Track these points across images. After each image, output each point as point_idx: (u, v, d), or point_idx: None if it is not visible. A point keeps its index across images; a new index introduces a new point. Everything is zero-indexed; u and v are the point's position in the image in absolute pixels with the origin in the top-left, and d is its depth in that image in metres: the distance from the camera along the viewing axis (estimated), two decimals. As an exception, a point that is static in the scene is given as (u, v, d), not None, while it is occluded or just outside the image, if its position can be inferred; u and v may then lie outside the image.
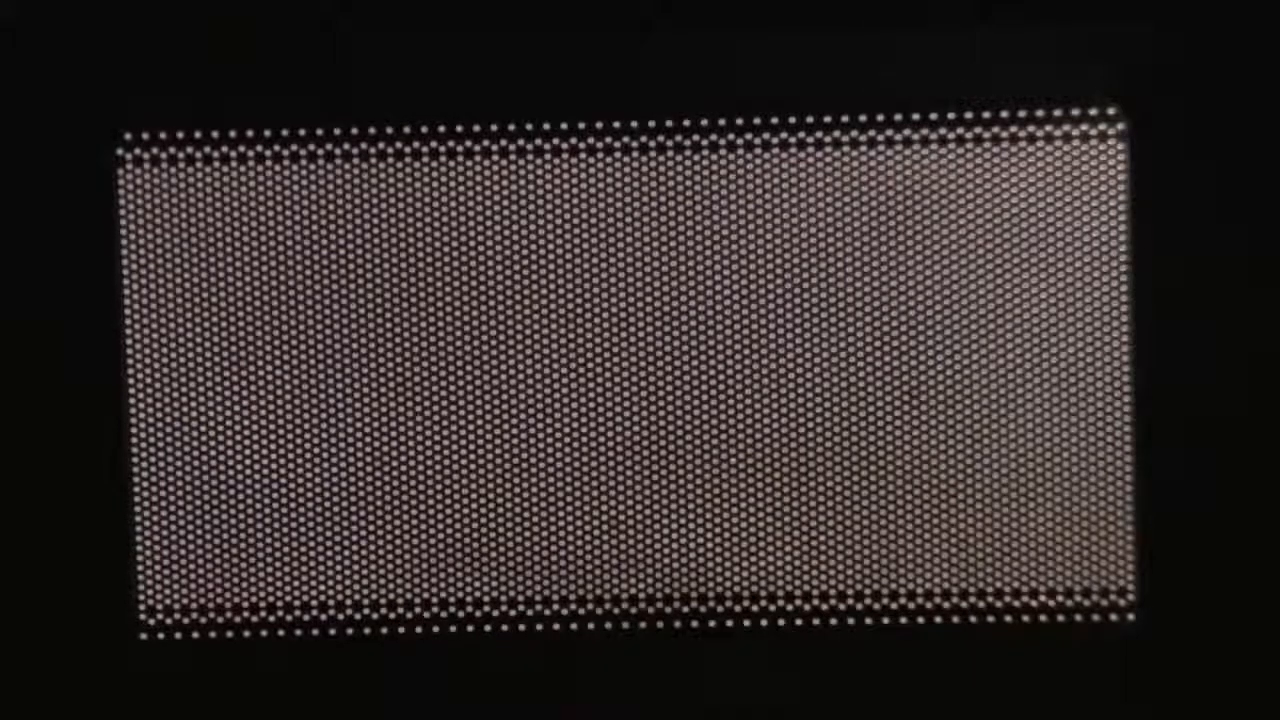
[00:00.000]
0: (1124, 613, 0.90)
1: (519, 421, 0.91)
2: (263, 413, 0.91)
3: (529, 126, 0.90)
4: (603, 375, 0.90)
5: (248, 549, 0.92)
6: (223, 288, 0.91)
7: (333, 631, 0.92)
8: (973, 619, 0.90)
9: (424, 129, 0.90)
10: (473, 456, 0.91)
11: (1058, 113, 0.88)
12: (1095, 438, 0.89)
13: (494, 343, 0.90)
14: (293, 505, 0.91)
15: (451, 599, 0.91)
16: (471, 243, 0.90)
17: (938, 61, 0.88)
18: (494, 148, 0.90)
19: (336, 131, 0.90)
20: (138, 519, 0.92)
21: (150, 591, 0.92)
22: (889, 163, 0.89)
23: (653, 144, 0.89)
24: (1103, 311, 0.89)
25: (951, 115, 0.88)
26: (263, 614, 0.92)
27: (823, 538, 0.90)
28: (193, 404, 0.91)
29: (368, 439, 0.91)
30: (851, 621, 0.91)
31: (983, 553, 0.90)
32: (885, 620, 0.91)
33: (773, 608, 0.91)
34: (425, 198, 0.90)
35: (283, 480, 0.91)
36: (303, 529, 0.91)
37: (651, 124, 0.89)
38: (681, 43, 0.89)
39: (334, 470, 0.91)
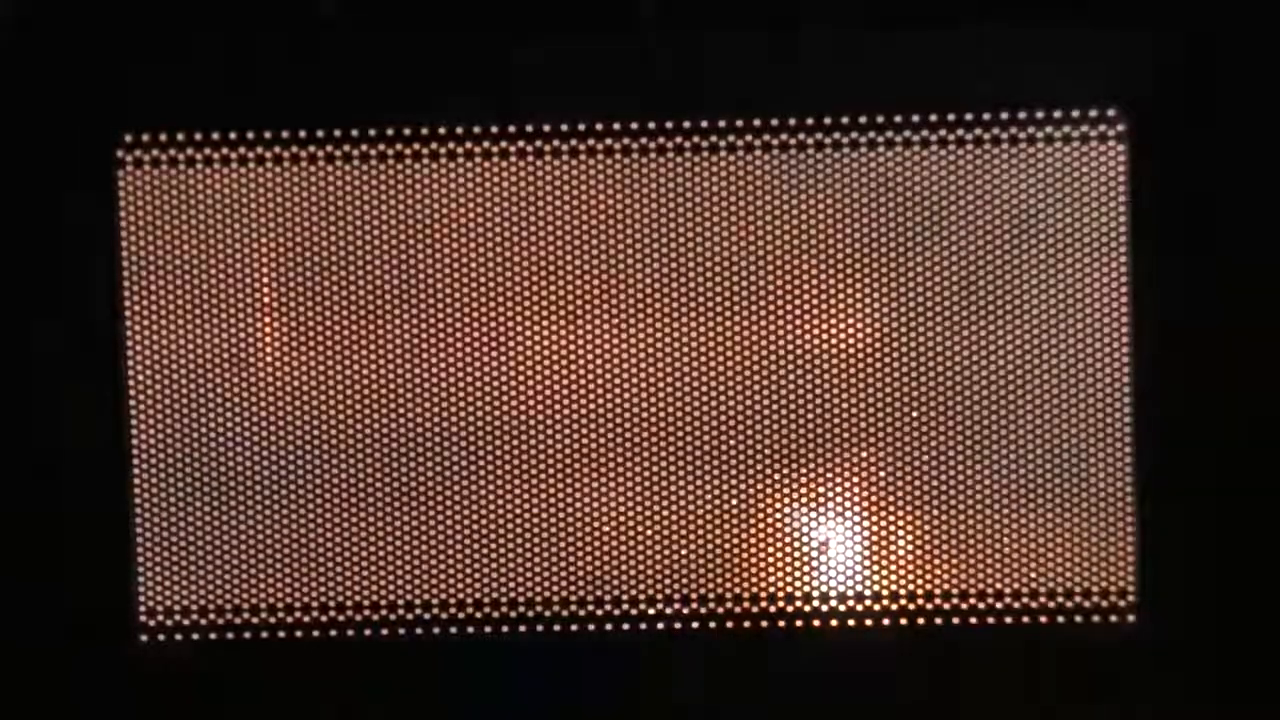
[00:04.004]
0: (1124, 613, 0.90)
1: (520, 422, 0.91)
2: (263, 413, 0.91)
3: (529, 127, 0.90)
4: (603, 376, 0.90)
5: (248, 549, 0.92)
6: (222, 288, 0.91)
7: (333, 632, 0.92)
8: (973, 619, 0.90)
9: (424, 129, 0.90)
10: (473, 457, 0.91)
11: (1058, 113, 0.88)
12: (1095, 438, 0.89)
13: (494, 343, 0.90)
14: (293, 506, 0.91)
15: (451, 599, 0.91)
16: (472, 243, 0.90)
17: (938, 61, 0.88)
18: (494, 148, 0.90)
19: (336, 132, 0.90)
20: (138, 519, 0.92)
21: (150, 591, 0.92)
22: (889, 163, 0.89)
23: (653, 144, 0.89)
24: (1103, 311, 0.89)
25: (951, 115, 0.88)
26: (263, 614, 0.92)
27: (823, 538, 0.90)
28: (193, 404, 0.91)
29: (367, 439, 0.91)
30: (851, 622, 0.91)
31: (983, 553, 0.90)
32: (886, 620, 0.91)
33: (773, 608, 0.91)
34: (425, 198, 0.90)
35: (283, 481, 0.91)
36: (303, 529, 0.91)
37: (652, 124, 0.89)
38: (682, 43, 0.89)
39: (334, 470, 0.91)
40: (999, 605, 0.90)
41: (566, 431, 0.91)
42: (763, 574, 0.91)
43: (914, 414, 0.90)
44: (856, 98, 0.89)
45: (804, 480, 0.90)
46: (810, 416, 0.90)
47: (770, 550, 0.91)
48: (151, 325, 0.91)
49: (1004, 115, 0.88)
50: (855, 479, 0.90)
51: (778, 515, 0.90)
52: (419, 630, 0.92)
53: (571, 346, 0.90)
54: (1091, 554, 0.90)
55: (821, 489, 0.90)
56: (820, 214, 0.89)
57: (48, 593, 0.91)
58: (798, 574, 0.91)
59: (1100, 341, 0.89)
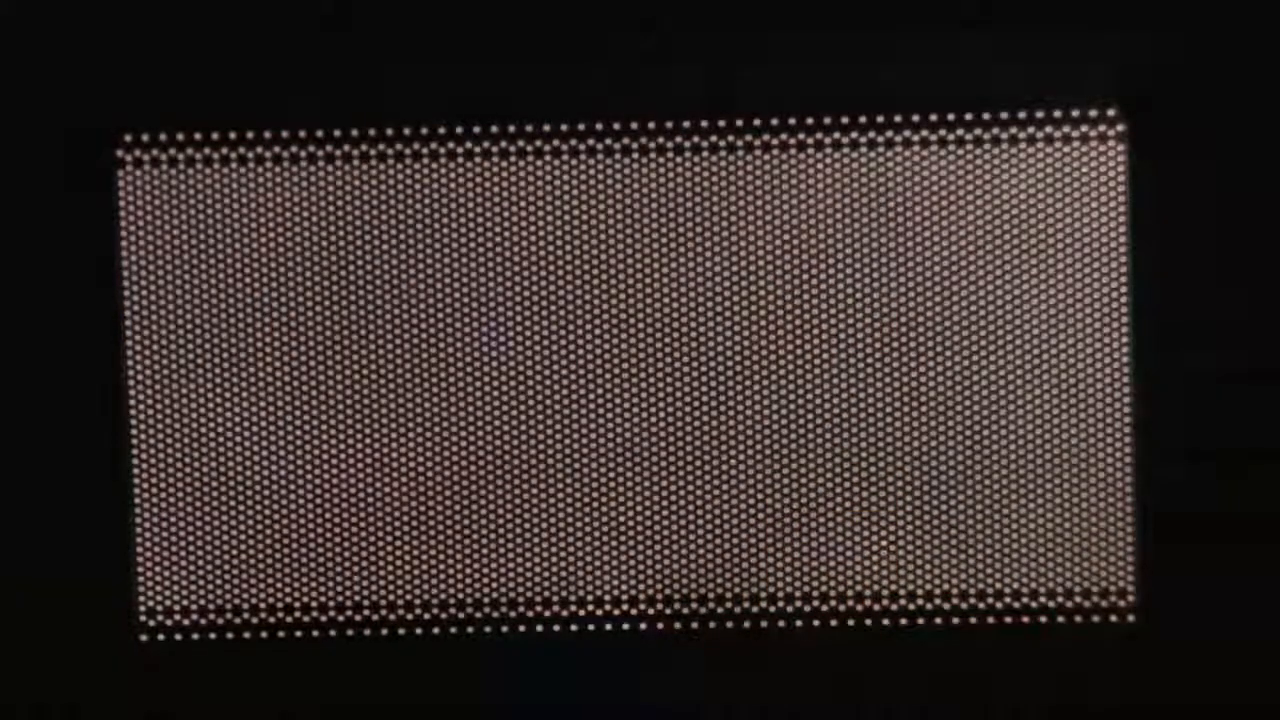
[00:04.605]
0: (1124, 613, 0.90)
1: (519, 422, 0.91)
2: (262, 413, 0.91)
3: (529, 127, 0.90)
4: (603, 376, 0.90)
5: (248, 549, 0.92)
6: (222, 288, 0.91)
7: (333, 632, 0.92)
8: (973, 619, 0.90)
9: (424, 129, 0.90)
10: (473, 457, 0.91)
11: (1058, 113, 0.88)
12: (1095, 438, 0.89)
13: (494, 342, 0.90)
14: (292, 505, 0.91)
15: (451, 599, 0.91)
16: (471, 243, 0.90)
17: (938, 61, 0.88)
18: (494, 148, 0.90)
19: (336, 132, 0.90)
20: (138, 519, 0.92)
21: (150, 591, 0.92)
22: (889, 163, 0.89)
23: (653, 144, 0.89)
24: (1103, 311, 0.89)
25: (951, 116, 0.88)
26: (263, 614, 0.92)
27: (823, 538, 0.91)
28: (193, 404, 0.91)
29: (368, 439, 0.91)
30: (851, 622, 0.91)
31: (983, 553, 0.90)
32: (885, 620, 0.91)
33: (773, 608, 0.91)
34: (425, 198, 0.90)
35: (282, 480, 0.91)
36: (302, 529, 0.91)
37: (651, 124, 0.89)
38: (681, 43, 0.89)
39: (334, 470, 0.91)
40: (999, 605, 0.90)
41: (566, 431, 0.91)
42: (763, 574, 0.91)
43: (913, 414, 0.90)
44: (856, 98, 0.89)
45: (804, 480, 0.90)
46: (810, 416, 0.90)
47: (770, 550, 0.91)
48: (151, 325, 0.91)
49: (1004, 115, 0.88)
50: (854, 478, 0.90)
51: (778, 515, 0.90)
52: (419, 630, 0.92)
53: (571, 346, 0.90)
54: (1091, 554, 0.90)
55: (821, 488, 0.90)
56: (820, 214, 0.89)
57: (48, 593, 0.91)
58: (798, 574, 0.91)
59: (1100, 341, 0.89)
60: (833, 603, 0.91)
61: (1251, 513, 0.88)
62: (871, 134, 0.89)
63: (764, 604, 0.91)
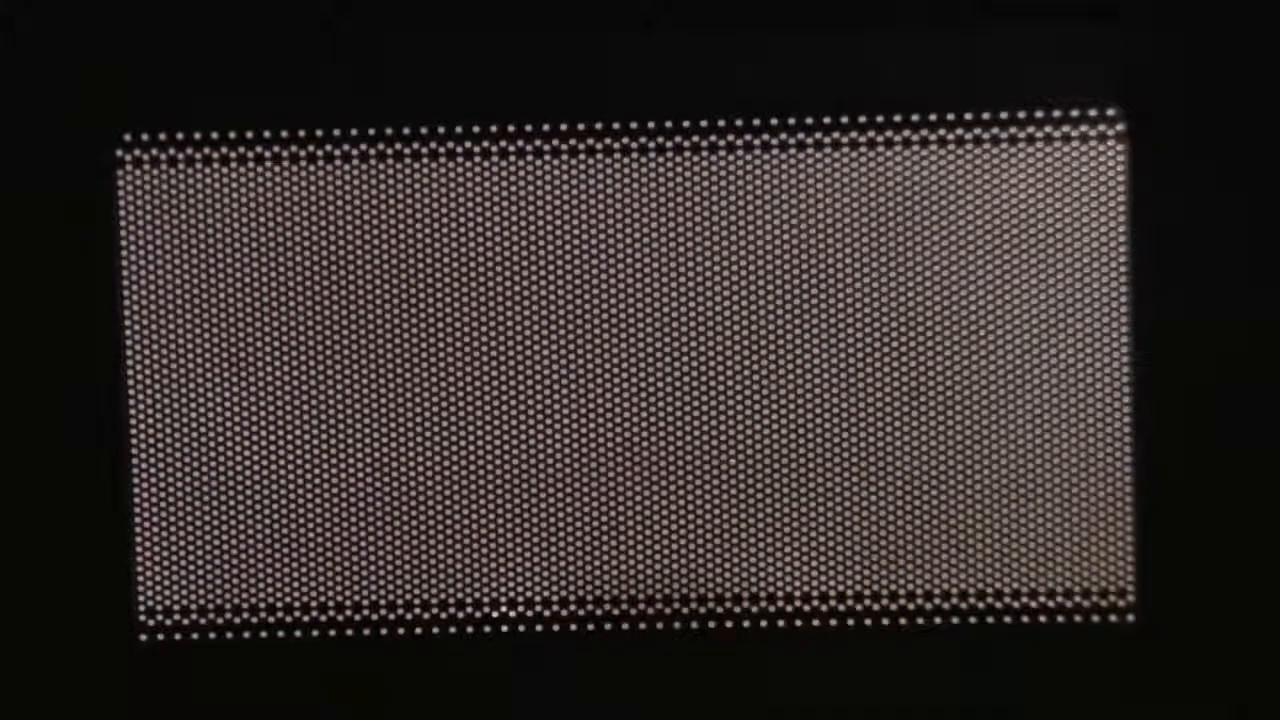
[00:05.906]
0: (1124, 613, 0.90)
1: (519, 422, 0.91)
2: (262, 413, 0.91)
3: (529, 127, 0.90)
4: (603, 376, 0.90)
5: (248, 549, 0.92)
6: (222, 288, 0.91)
7: (333, 632, 0.92)
8: (973, 619, 0.90)
9: (424, 129, 0.90)
10: (472, 457, 0.91)
11: (1058, 113, 0.88)
12: (1095, 438, 0.89)
13: (493, 344, 0.90)
14: (292, 506, 0.91)
15: (451, 599, 0.92)
16: (471, 243, 0.90)
17: (938, 61, 0.88)
18: (494, 148, 0.90)
19: (336, 132, 0.90)
20: (138, 519, 0.92)
21: (150, 591, 0.92)
22: (889, 163, 0.89)
23: (653, 144, 0.89)
24: (1103, 311, 0.89)
25: (951, 115, 0.88)
26: (263, 614, 0.92)
27: (823, 538, 0.91)
28: (193, 404, 0.91)
29: (367, 439, 0.91)
30: (851, 622, 0.91)
31: (983, 553, 0.90)
32: (885, 620, 0.91)
33: (773, 608, 0.91)
34: (425, 198, 0.90)
35: (282, 481, 0.91)
36: (302, 530, 0.91)
37: (651, 124, 0.89)
38: (681, 43, 0.89)
39: (334, 470, 0.91)
40: (999, 605, 0.90)
41: (566, 431, 0.91)
42: (763, 574, 0.91)
43: (913, 413, 0.90)
44: (857, 97, 0.89)
45: (803, 479, 0.90)
46: (809, 416, 0.90)
47: (770, 550, 0.91)
48: (151, 325, 0.91)
49: (1004, 115, 0.88)
50: (854, 478, 0.90)
51: (777, 515, 0.90)
52: (419, 630, 0.92)
53: (571, 346, 0.90)
54: (1091, 554, 0.90)
55: (821, 488, 0.90)
56: (820, 214, 0.89)
57: (48, 593, 0.91)
58: (798, 574, 0.91)
59: (1100, 341, 0.89)
60: (832, 603, 0.91)
61: (1251, 513, 0.88)
62: (871, 134, 0.89)
63: (764, 604, 0.91)
